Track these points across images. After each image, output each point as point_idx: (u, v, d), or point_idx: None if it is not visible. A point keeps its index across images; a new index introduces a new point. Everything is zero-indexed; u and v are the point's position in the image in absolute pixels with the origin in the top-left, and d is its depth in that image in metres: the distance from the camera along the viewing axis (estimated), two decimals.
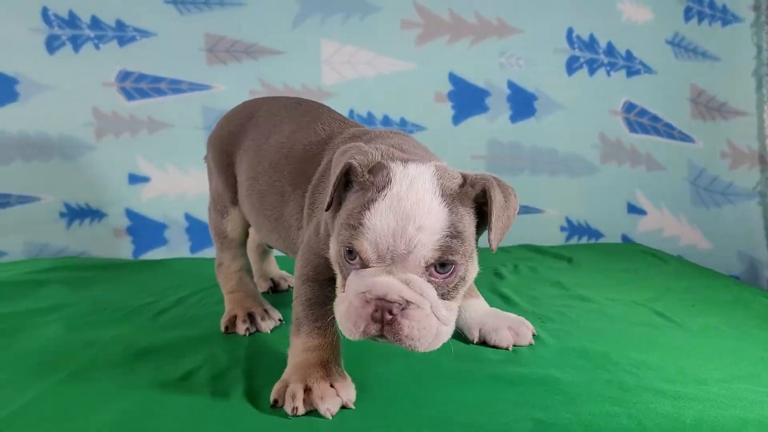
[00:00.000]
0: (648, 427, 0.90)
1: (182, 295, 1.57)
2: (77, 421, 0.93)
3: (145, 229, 2.12)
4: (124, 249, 2.12)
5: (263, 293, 1.56)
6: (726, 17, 1.95)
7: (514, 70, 2.17)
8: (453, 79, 2.16)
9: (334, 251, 0.96)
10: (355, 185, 0.94)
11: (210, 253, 2.12)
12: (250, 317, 1.31)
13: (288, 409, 0.93)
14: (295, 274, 1.12)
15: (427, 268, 0.89)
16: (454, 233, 0.89)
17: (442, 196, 0.91)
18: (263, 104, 1.43)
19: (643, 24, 2.16)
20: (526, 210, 2.24)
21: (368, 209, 0.89)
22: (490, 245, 0.93)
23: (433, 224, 0.88)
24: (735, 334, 1.27)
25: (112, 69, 2.05)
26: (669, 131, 2.17)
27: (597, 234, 2.27)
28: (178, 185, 2.10)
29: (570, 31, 2.17)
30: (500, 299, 1.51)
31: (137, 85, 2.06)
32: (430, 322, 0.89)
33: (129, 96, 2.06)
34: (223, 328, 1.31)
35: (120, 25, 2.03)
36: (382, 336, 0.88)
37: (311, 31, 2.09)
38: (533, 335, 1.24)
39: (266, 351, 1.19)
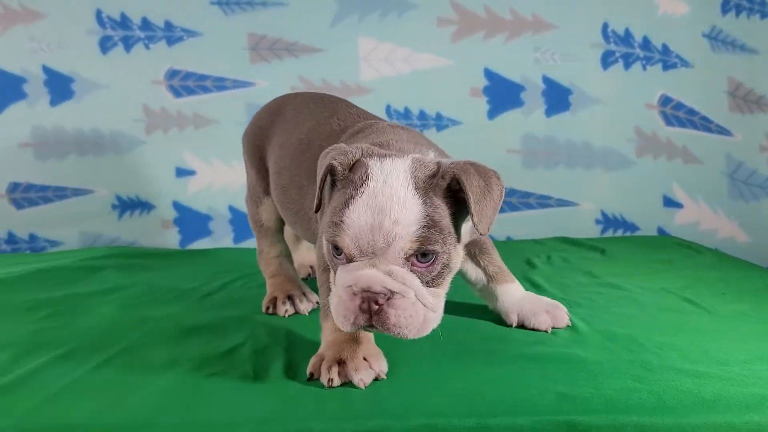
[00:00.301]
0: (667, 401, 0.93)
1: (226, 281, 1.66)
2: (133, 389, 1.01)
3: (191, 221, 2.22)
4: (171, 239, 2.23)
5: (303, 279, 1.63)
6: (765, 10, 1.94)
7: (549, 65, 2.20)
8: (488, 74, 2.20)
9: (324, 249, 1.01)
10: (338, 184, 0.99)
11: (252, 243, 2.21)
12: (290, 299, 1.39)
13: (324, 380, 1.00)
14: (316, 263, 1.19)
15: (407, 258, 0.93)
16: (430, 223, 0.93)
17: (416, 188, 0.94)
18: (290, 101, 1.51)
19: (680, 17, 2.15)
20: (560, 203, 2.26)
21: (347, 206, 0.94)
22: (477, 229, 0.95)
23: (407, 217, 0.92)
24: (764, 319, 1.28)
25: (161, 68, 2.16)
26: (706, 124, 2.16)
27: (633, 227, 2.28)
28: (223, 178, 2.20)
29: (605, 26, 2.18)
30: (531, 286, 1.55)
31: (184, 83, 2.17)
32: (416, 310, 0.93)
33: (177, 93, 2.17)
34: (264, 309, 1.38)
35: (168, 26, 2.14)
36: (371, 326, 0.93)
37: (349, 29, 2.16)
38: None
39: (304, 330, 1.26)
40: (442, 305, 0.99)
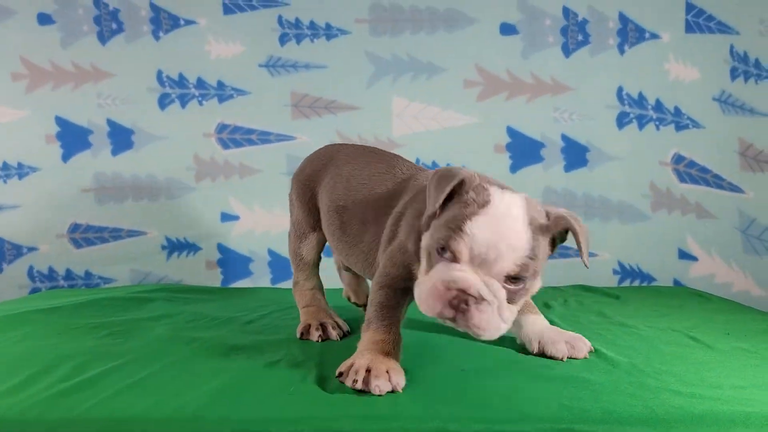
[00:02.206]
0: (659, 414, 1.03)
1: (265, 312, 1.81)
2: (184, 390, 1.15)
3: (233, 262, 2.40)
4: (214, 278, 2.40)
5: (358, 306, 1.81)
6: None
7: (568, 124, 2.37)
8: (511, 132, 2.37)
9: (426, 243, 1.19)
10: (455, 198, 1.16)
11: (288, 284, 2.37)
12: (322, 326, 1.53)
13: (349, 381, 1.14)
14: (373, 282, 1.35)
15: (505, 278, 1.11)
16: (532, 256, 1.11)
17: (530, 224, 1.13)
18: (341, 149, 1.69)
19: (690, 83, 2.31)
20: (579, 253, 2.37)
21: (470, 219, 1.11)
22: (584, 263, 1.22)
23: (520, 246, 1.10)
24: (763, 354, 1.37)
25: (212, 122, 2.38)
26: (718, 182, 2.28)
27: (649, 278, 2.38)
28: (264, 223, 2.38)
29: (620, 90, 2.35)
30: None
31: (232, 136, 2.38)
32: (495, 318, 1.12)
33: (225, 145, 2.38)
34: (298, 335, 1.52)
35: (220, 85, 2.37)
36: (453, 320, 1.11)
37: (384, 89, 2.37)
38: (590, 352, 1.36)
39: (336, 352, 1.39)
40: (512, 320, 1.18)
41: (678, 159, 2.34)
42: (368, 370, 1.14)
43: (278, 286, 2.39)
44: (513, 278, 1.11)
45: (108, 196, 2.39)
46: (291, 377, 1.22)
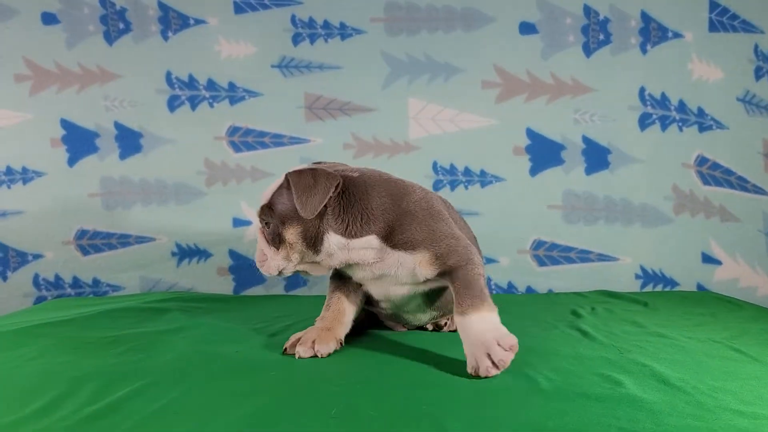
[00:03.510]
0: None
1: (287, 323, 1.74)
2: (216, 416, 1.08)
3: (245, 269, 2.33)
4: (226, 286, 2.33)
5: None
6: None
7: (588, 125, 2.31)
8: (530, 133, 2.32)
9: None
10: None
11: (302, 291, 2.32)
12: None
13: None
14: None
15: (260, 221, 1.43)
16: (269, 203, 1.40)
17: (281, 183, 1.40)
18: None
19: (714, 83, 2.26)
20: (601, 257, 2.33)
21: None
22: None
23: (265, 196, 1.41)
24: None
25: (223, 125, 2.31)
26: (742, 184, 2.24)
27: (672, 282, 2.33)
28: None
29: (642, 90, 2.30)
30: (579, 334, 1.61)
31: (244, 139, 2.31)
32: (261, 253, 1.45)
33: (236, 148, 2.31)
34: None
35: (232, 87, 2.30)
36: None
37: (400, 91, 2.30)
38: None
39: (366, 368, 1.33)
40: (276, 260, 1.43)
41: (701, 161, 2.29)
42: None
43: (293, 293, 2.33)
44: (264, 222, 1.42)
45: (116, 202, 2.31)
46: (330, 398, 1.15)
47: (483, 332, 1.26)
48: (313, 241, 1.39)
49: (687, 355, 1.42)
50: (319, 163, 1.56)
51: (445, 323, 1.66)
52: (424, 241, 1.38)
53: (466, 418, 1.05)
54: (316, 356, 1.39)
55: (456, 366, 1.31)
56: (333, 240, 1.39)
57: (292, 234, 1.39)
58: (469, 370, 1.25)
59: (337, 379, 1.26)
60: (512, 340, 1.26)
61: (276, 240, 1.41)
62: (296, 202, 1.33)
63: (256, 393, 1.18)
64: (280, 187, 1.40)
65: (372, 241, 1.39)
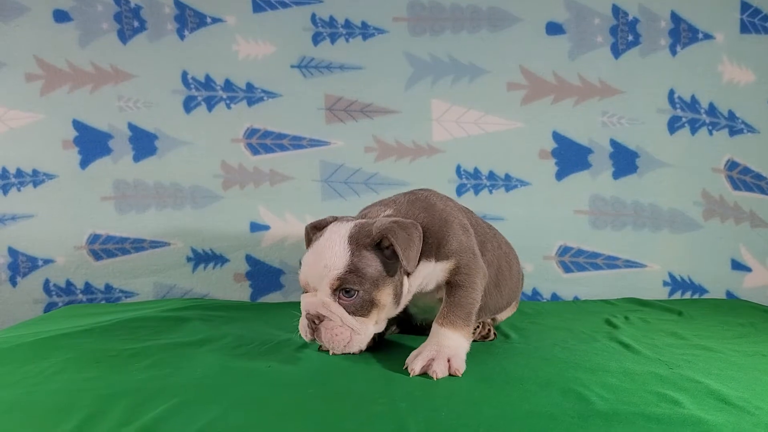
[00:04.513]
0: None
1: None
2: None
3: (263, 274, 2.26)
4: (242, 292, 2.26)
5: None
6: None
7: (616, 128, 2.25)
8: (556, 137, 2.26)
9: None
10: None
11: None
12: None
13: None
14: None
15: (335, 293, 1.27)
16: (351, 269, 1.26)
17: (349, 243, 1.28)
18: None
19: (745, 86, 2.21)
20: (628, 264, 2.28)
21: (304, 254, 1.35)
22: (404, 268, 1.29)
23: (335, 263, 1.26)
24: None
25: (240, 126, 2.24)
26: None
27: (701, 290, 2.28)
28: (296, 233, 2.25)
29: (671, 92, 2.24)
30: (621, 346, 1.55)
31: (262, 141, 2.25)
32: (342, 330, 1.28)
33: (254, 151, 2.25)
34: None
35: (249, 87, 2.23)
36: (314, 339, 1.31)
37: (423, 92, 2.24)
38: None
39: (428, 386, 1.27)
40: (366, 330, 1.30)
41: (732, 165, 2.24)
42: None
43: None
44: (344, 291, 1.26)
45: (129, 205, 2.24)
46: (377, 420, 1.09)
47: (445, 345, 1.33)
48: (399, 294, 1.34)
49: (739, 370, 1.36)
50: (336, 218, 1.45)
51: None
52: (456, 252, 1.41)
53: None
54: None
55: (509, 384, 1.25)
56: (406, 283, 1.36)
57: (387, 295, 1.31)
58: (409, 359, 1.32)
59: (381, 398, 1.20)
60: (461, 367, 1.30)
61: (366, 307, 1.29)
62: (403, 259, 1.26)
63: (300, 413, 1.12)
64: (355, 249, 1.28)
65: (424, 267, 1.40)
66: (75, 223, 2.23)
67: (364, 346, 1.33)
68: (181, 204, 2.24)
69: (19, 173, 2.20)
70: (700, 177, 2.26)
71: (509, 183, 2.26)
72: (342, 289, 1.26)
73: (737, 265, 2.26)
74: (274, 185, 2.25)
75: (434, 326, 1.37)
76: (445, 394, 1.19)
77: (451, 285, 1.41)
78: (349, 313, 1.27)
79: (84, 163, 2.22)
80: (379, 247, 1.29)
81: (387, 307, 1.32)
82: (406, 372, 1.32)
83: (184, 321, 1.81)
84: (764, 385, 1.26)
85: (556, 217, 2.26)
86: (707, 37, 2.21)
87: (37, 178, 2.21)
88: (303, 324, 1.31)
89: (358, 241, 1.28)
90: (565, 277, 2.28)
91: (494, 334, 1.63)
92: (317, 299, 1.28)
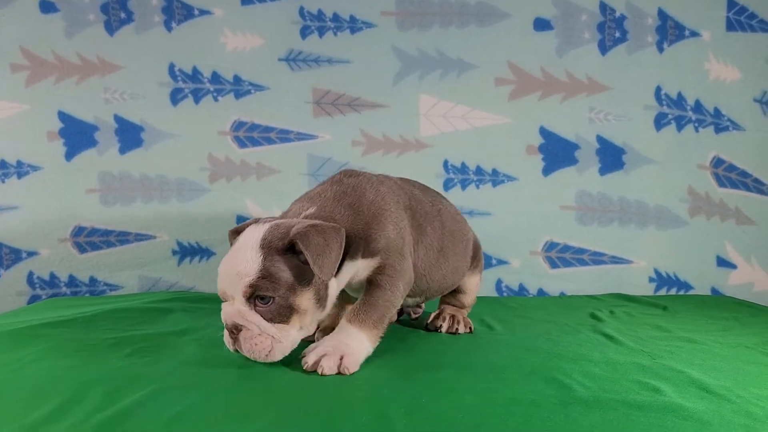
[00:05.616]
0: None
1: None
2: (240, 427, 1.01)
3: None
4: None
5: None
6: None
7: (603, 125, 2.26)
8: (544, 132, 2.26)
9: None
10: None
11: None
12: None
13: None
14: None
15: (248, 300, 1.19)
16: (264, 275, 1.17)
17: (261, 248, 1.19)
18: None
19: (731, 83, 2.22)
20: (614, 260, 2.28)
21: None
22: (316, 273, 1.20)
23: (247, 270, 1.18)
24: None
25: (227, 119, 2.23)
26: (759, 186, 2.20)
27: (686, 286, 2.28)
28: None
29: (658, 89, 2.25)
30: (605, 338, 1.55)
31: (249, 134, 2.24)
32: (262, 339, 1.20)
33: (241, 144, 2.24)
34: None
35: (237, 80, 2.22)
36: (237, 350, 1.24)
37: (411, 87, 2.24)
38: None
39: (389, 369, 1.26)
40: (288, 337, 1.22)
41: (717, 162, 2.25)
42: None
43: None
44: (259, 298, 1.18)
45: (115, 198, 2.23)
46: (357, 405, 1.08)
47: (344, 342, 1.27)
48: (323, 298, 1.26)
49: (722, 361, 1.36)
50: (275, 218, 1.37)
51: (440, 325, 1.61)
52: (383, 250, 1.34)
53: (504, 428, 0.99)
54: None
55: (492, 373, 1.25)
56: (332, 285, 1.28)
57: (307, 300, 1.23)
58: (306, 350, 1.27)
59: (362, 384, 1.19)
60: (351, 365, 1.24)
61: (285, 313, 1.21)
62: (315, 266, 1.17)
63: (276, 403, 1.11)
64: (267, 253, 1.19)
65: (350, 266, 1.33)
66: (59, 215, 2.21)
67: (288, 353, 1.24)
68: (167, 197, 2.23)
69: (3, 164, 2.18)
70: (686, 174, 2.27)
71: (496, 178, 2.26)
72: (256, 296, 1.18)
73: (722, 262, 2.27)
74: (261, 179, 2.24)
75: (342, 322, 1.31)
76: (426, 382, 1.19)
77: (371, 283, 1.34)
78: (267, 320, 1.19)
79: (69, 155, 2.20)
80: (294, 250, 1.20)
81: (310, 312, 1.24)
82: (387, 359, 1.32)
83: (167, 312, 1.80)
84: (747, 375, 1.27)
85: (542, 212, 2.26)
86: (694, 34, 2.22)
87: (21, 169, 2.19)
88: (225, 335, 1.24)
89: (270, 245, 1.19)
90: (552, 273, 2.28)
91: (470, 327, 1.62)
92: (234, 308, 1.20)
